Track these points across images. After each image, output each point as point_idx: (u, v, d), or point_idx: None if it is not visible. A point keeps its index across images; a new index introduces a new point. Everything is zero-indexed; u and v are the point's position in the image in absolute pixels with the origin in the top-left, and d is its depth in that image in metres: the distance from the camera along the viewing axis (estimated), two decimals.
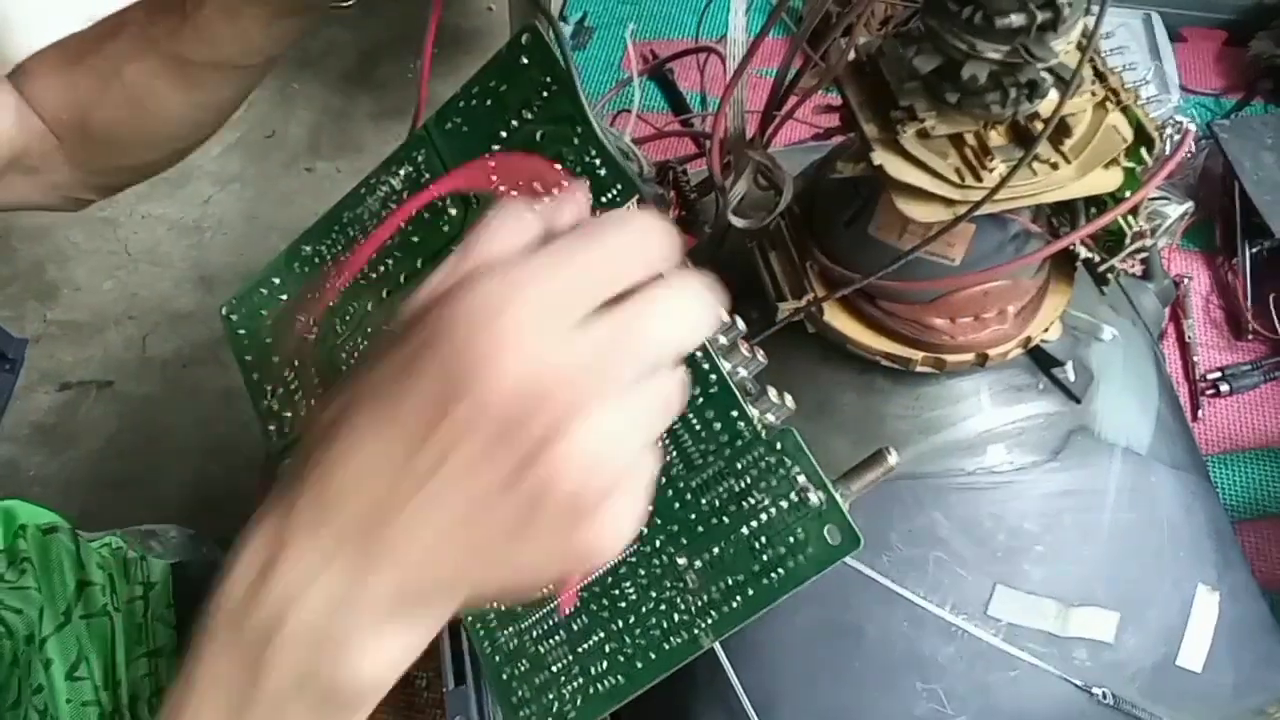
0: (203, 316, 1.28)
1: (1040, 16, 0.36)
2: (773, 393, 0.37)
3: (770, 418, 0.36)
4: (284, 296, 0.47)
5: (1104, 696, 0.47)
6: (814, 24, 0.43)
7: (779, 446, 0.35)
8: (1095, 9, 0.36)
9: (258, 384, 0.47)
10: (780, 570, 0.34)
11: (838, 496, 0.34)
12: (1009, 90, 0.38)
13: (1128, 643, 0.48)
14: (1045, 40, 0.36)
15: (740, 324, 0.38)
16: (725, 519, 0.35)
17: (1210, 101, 0.83)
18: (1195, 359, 0.70)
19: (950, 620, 0.47)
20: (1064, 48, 0.37)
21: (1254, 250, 0.72)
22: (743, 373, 0.37)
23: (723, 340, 0.37)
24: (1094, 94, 0.41)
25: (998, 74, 0.38)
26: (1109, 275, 0.46)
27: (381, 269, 0.44)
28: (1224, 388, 0.68)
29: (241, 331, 0.48)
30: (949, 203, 0.40)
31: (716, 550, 0.36)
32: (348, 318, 0.45)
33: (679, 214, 0.61)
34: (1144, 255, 0.46)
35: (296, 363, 0.46)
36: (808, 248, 0.47)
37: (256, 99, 1.48)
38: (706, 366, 0.36)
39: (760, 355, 0.38)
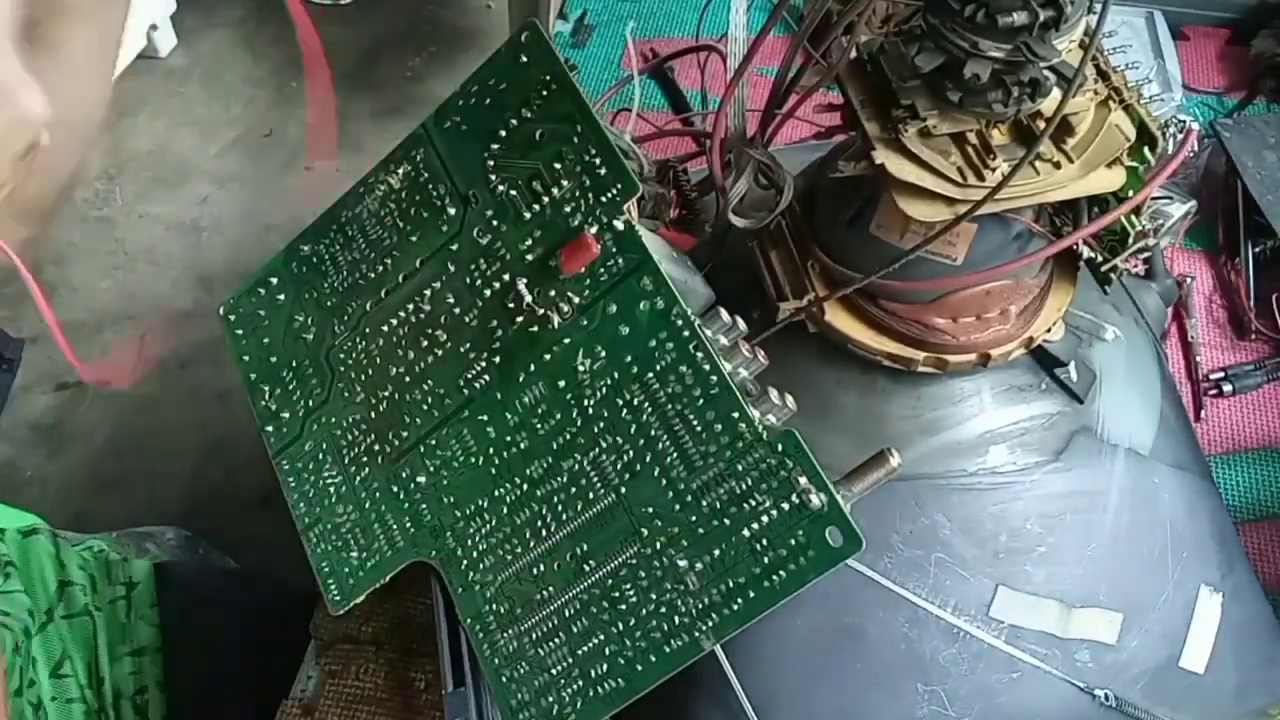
0: (201, 316, 1.28)
1: (1043, 15, 0.36)
2: (774, 394, 0.36)
3: (771, 419, 0.36)
4: (282, 296, 0.47)
5: (1106, 698, 0.47)
6: (815, 22, 0.43)
7: (780, 448, 0.34)
8: (1098, 7, 0.36)
9: (255, 384, 0.47)
10: (782, 572, 0.34)
11: (839, 498, 0.33)
12: (1011, 89, 0.38)
13: (1130, 644, 0.48)
14: (1048, 38, 0.36)
15: (741, 324, 0.38)
16: (726, 521, 0.35)
17: (1213, 100, 0.83)
18: (1198, 359, 0.70)
19: (952, 622, 0.46)
20: (1066, 46, 0.37)
21: (1256, 250, 0.72)
22: (743, 373, 0.37)
23: (723, 341, 0.37)
24: (1096, 93, 0.41)
25: (1000, 72, 0.38)
26: (1112, 275, 0.46)
27: (380, 269, 0.44)
28: (1227, 388, 0.68)
29: (239, 331, 0.48)
30: (951, 202, 0.40)
31: (718, 552, 0.35)
32: (345, 318, 0.45)
33: (679, 213, 0.60)
34: (1147, 255, 0.46)
35: (294, 363, 0.46)
36: (809, 247, 0.47)
37: (255, 98, 1.48)
38: (707, 368, 0.36)
39: (761, 356, 0.37)
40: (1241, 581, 0.51)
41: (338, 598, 0.43)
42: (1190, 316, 0.71)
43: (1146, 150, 0.42)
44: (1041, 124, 0.40)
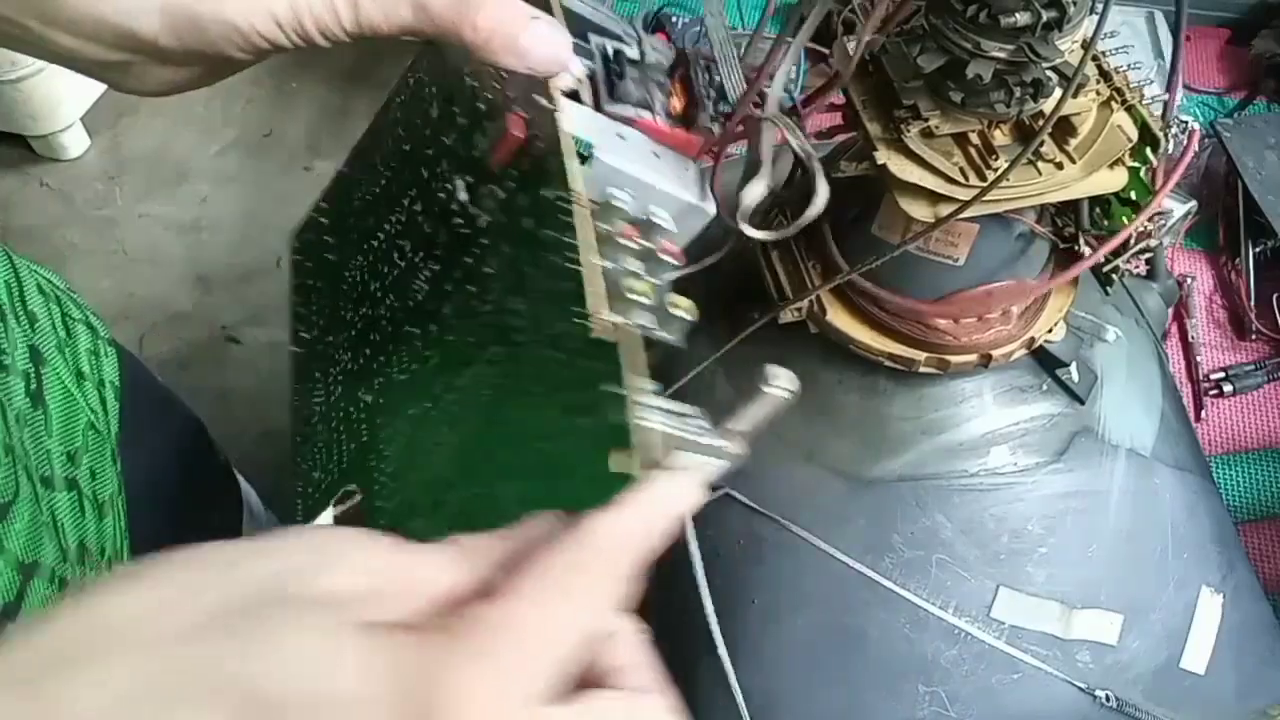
0: (201, 316, 1.28)
1: (1045, 15, 0.36)
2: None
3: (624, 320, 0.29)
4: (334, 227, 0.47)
5: (1107, 699, 0.47)
6: (815, 25, 0.43)
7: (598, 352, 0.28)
8: (1099, 8, 0.36)
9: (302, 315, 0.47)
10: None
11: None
12: (1013, 89, 0.38)
13: (1131, 645, 0.48)
14: (1050, 39, 0.36)
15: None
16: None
17: (1213, 100, 0.83)
18: (1198, 359, 0.70)
19: (953, 622, 0.46)
20: (1069, 46, 0.37)
21: (1257, 250, 0.72)
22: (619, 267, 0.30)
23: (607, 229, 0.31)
24: (1098, 93, 0.41)
25: (1002, 73, 0.38)
26: (1113, 275, 0.46)
27: (384, 185, 0.44)
28: (1227, 388, 0.68)
29: (301, 258, 0.48)
30: (953, 202, 0.40)
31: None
32: (356, 237, 0.45)
33: (684, 108, 0.55)
34: (1148, 255, 0.46)
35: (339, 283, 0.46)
36: (810, 247, 0.47)
37: (255, 98, 1.48)
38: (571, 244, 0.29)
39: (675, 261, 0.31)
40: (1242, 582, 0.51)
41: (300, 519, 0.44)
42: (1191, 317, 0.71)
43: (1148, 151, 0.42)
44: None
